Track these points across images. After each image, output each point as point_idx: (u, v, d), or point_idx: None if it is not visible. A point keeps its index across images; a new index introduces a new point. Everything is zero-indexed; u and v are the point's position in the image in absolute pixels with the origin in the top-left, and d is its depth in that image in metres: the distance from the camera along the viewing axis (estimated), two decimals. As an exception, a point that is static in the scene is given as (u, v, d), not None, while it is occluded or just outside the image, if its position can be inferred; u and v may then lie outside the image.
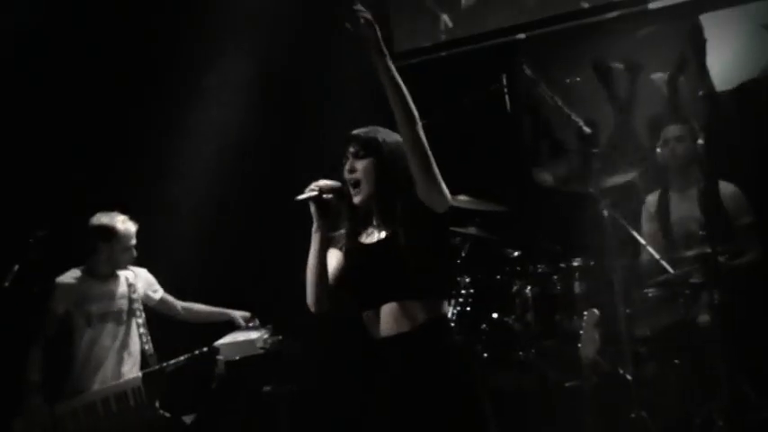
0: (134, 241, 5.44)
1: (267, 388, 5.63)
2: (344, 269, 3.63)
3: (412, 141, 3.42)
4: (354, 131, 3.66)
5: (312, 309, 3.60)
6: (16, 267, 5.15)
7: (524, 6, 6.35)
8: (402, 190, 3.56)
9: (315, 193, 3.57)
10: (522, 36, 5.59)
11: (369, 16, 3.39)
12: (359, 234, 3.67)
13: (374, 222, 3.66)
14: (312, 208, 3.57)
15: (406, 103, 3.41)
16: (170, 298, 5.74)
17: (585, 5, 6.35)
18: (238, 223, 6.59)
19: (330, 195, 3.58)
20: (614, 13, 6.23)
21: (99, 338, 5.35)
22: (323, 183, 3.59)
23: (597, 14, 6.28)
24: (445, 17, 6.72)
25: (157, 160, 6.60)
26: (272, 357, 5.52)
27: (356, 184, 3.60)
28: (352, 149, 3.62)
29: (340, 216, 3.65)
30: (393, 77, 3.41)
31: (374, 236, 3.64)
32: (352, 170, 3.60)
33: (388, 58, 3.41)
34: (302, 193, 3.57)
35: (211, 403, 5.71)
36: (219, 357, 5.44)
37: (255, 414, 5.73)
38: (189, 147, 6.63)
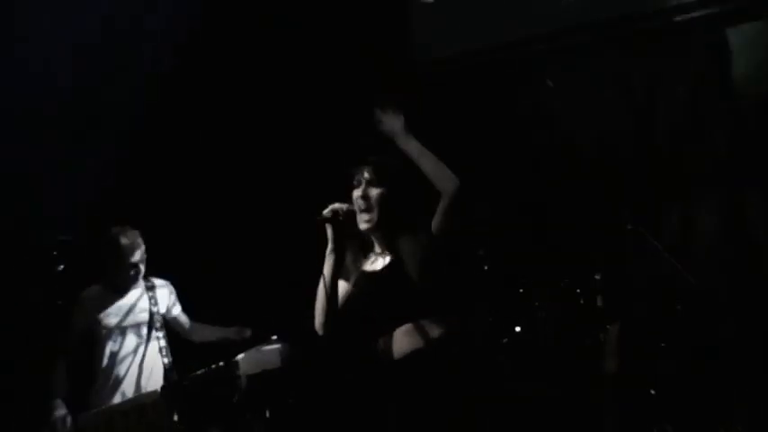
0: (137, 257, 5.40)
1: (290, 401, 5.63)
2: (354, 298, 3.62)
3: (454, 199, 3.45)
4: (370, 157, 3.67)
5: (320, 332, 3.59)
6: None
7: (544, 17, 6.30)
8: (409, 220, 3.57)
9: (332, 215, 3.56)
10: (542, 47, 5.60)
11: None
12: (362, 262, 3.67)
13: (376, 249, 3.66)
14: (329, 230, 3.56)
15: (444, 169, 3.44)
16: (184, 317, 5.74)
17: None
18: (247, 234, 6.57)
19: (343, 218, 3.57)
20: (639, 26, 6.19)
21: (119, 352, 5.36)
22: (338, 206, 3.58)
23: (622, 28, 6.22)
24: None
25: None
26: (293, 371, 5.52)
27: (368, 210, 3.59)
28: (366, 175, 3.62)
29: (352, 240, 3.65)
30: (424, 153, 3.45)
31: (378, 262, 3.64)
32: (366, 197, 3.59)
33: (412, 138, 3.45)
34: (320, 214, 3.57)
35: (234, 417, 5.70)
36: (240, 372, 5.44)
37: (278, 427, 5.72)
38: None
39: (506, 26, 6.34)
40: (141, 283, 5.49)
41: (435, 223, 3.52)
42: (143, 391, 5.35)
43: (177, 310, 5.70)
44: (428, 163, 3.49)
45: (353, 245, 3.67)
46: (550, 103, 6.00)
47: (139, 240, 5.38)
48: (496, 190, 6.01)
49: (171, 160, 6.44)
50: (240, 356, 5.54)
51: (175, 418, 5.26)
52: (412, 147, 3.51)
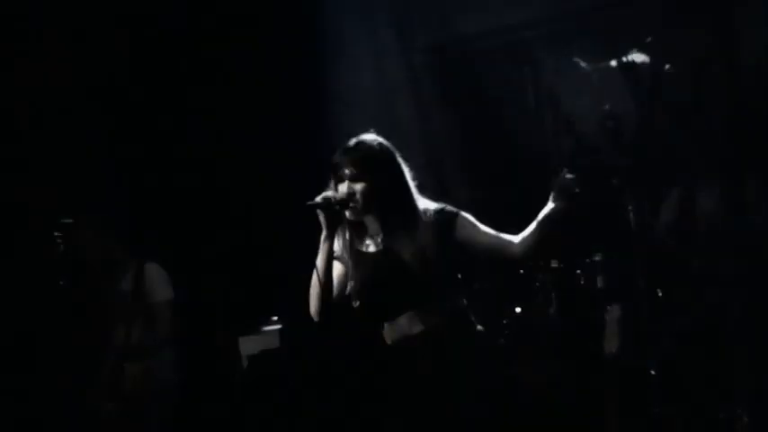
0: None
1: (290, 381, 5.66)
2: (357, 282, 3.62)
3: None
4: (346, 153, 3.62)
5: (315, 318, 3.59)
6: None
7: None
8: (394, 208, 3.57)
9: (325, 202, 3.53)
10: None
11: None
12: (357, 243, 3.66)
13: (369, 232, 3.65)
14: (321, 217, 3.54)
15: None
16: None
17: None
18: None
19: (338, 207, 3.55)
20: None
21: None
22: (331, 193, 3.56)
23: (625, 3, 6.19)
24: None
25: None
26: (293, 351, 5.54)
27: (355, 204, 3.57)
28: (347, 171, 3.57)
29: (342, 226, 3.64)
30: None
31: (372, 246, 3.63)
32: (351, 192, 3.56)
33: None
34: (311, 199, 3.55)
35: (235, 397, 5.73)
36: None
37: (279, 407, 5.74)
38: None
39: (506, 10, 6.31)
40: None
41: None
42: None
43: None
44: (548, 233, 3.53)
45: (351, 226, 3.66)
46: (551, 86, 5.97)
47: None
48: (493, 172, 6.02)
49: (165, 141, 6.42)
50: (241, 337, 5.57)
51: None
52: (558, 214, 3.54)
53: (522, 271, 5.93)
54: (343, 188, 3.55)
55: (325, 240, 3.53)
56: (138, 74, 6.27)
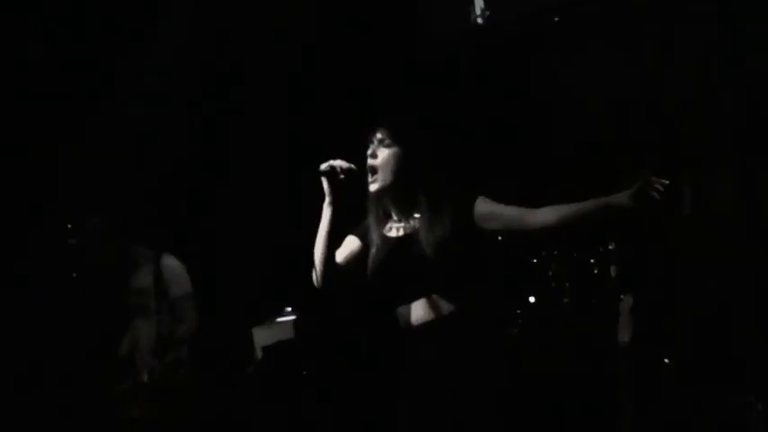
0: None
1: (305, 372, 5.67)
2: (375, 263, 3.63)
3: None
4: (385, 117, 3.66)
5: (317, 285, 3.60)
6: None
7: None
8: (421, 186, 3.56)
9: (329, 168, 3.55)
10: (555, 19, 5.55)
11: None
12: (381, 227, 3.67)
13: (393, 217, 3.66)
14: (324, 183, 3.55)
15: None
16: None
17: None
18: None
19: (343, 176, 3.56)
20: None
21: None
22: (338, 162, 3.57)
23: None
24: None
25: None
26: (308, 341, 5.55)
27: (374, 170, 3.57)
28: (378, 135, 3.58)
29: (351, 197, 3.64)
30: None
31: (394, 230, 3.64)
32: (374, 155, 3.58)
33: None
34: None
35: (249, 388, 5.75)
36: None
37: (293, 398, 5.76)
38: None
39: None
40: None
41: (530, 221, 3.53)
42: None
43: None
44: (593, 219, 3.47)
45: (378, 207, 3.67)
46: (563, 73, 5.95)
47: None
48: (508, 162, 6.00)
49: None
50: (255, 328, 5.58)
51: None
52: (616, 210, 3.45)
53: (535, 260, 5.94)
54: (368, 153, 3.57)
55: (327, 207, 3.55)
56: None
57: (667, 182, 3.26)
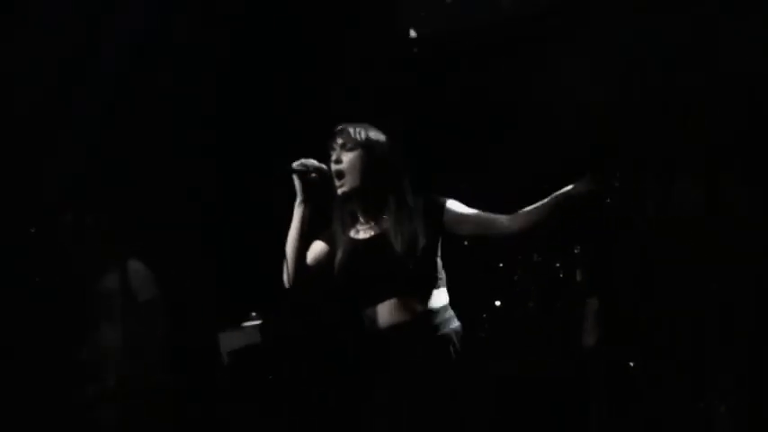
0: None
1: (271, 377, 5.65)
2: (341, 266, 3.64)
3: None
4: (346, 124, 3.68)
5: (287, 284, 3.62)
6: None
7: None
8: (388, 187, 3.58)
9: (301, 168, 3.57)
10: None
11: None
12: (348, 230, 3.68)
13: (360, 219, 3.68)
14: (296, 182, 3.58)
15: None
16: None
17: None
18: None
19: (314, 175, 3.58)
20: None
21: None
22: (310, 161, 3.59)
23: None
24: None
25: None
26: (274, 346, 5.53)
27: (340, 175, 3.60)
28: (340, 141, 3.63)
29: (322, 197, 3.66)
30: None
31: (362, 233, 3.66)
32: (338, 161, 3.61)
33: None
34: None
35: (216, 392, 5.73)
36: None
37: (259, 403, 5.74)
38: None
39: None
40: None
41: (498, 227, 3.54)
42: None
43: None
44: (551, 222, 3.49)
45: (344, 211, 3.69)
46: (532, 77, 5.98)
47: None
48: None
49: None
50: (221, 333, 5.55)
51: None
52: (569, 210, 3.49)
53: (501, 264, 5.96)
54: (332, 159, 3.60)
55: (298, 206, 3.59)
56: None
57: (623, 172, 3.36)
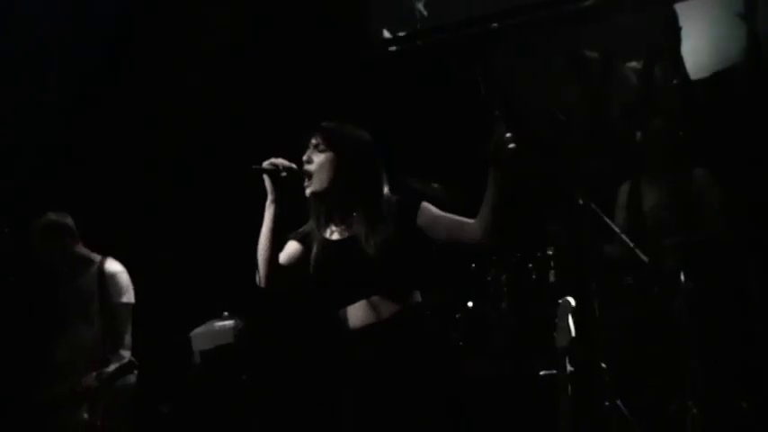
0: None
1: (243, 377, 5.64)
2: (315, 266, 3.63)
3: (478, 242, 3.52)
4: (321, 124, 3.67)
5: (261, 284, 3.61)
6: None
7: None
8: (356, 191, 3.57)
9: (271, 167, 3.56)
10: (495, 25, 5.59)
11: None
12: (321, 230, 3.67)
13: (334, 220, 3.67)
14: (267, 182, 3.57)
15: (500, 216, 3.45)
16: None
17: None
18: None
19: (285, 174, 3.56)
20: (590, 2, 6.22)
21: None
22: (280, 160, 3.58)
23: (572, 2, 6.26)
24: (420, 6, 6.69)
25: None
26: (246, 346, 5.52)
27: (308, 175, 3.59)
28: (314, 141, 3.62)
29: (292, 196, 3.65)
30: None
31: (336, 234, 3.65)
32: (309, 161, 3.60)
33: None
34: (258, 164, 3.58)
35: (187, 392, 5.71)
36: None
37: (231, 403, 5.73)
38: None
39: (460, 4, 6.34)
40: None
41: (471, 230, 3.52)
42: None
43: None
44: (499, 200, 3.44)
45: (319, 210, 3.68)
46: (505, 81, 6.00)
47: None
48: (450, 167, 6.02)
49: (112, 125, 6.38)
50: (193, 332, 5.54)
51: None
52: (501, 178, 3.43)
53: (473, 265, 5.96)
54: (304, 158, 3.59)
55: (269, 205, 3.57)
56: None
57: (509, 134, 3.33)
